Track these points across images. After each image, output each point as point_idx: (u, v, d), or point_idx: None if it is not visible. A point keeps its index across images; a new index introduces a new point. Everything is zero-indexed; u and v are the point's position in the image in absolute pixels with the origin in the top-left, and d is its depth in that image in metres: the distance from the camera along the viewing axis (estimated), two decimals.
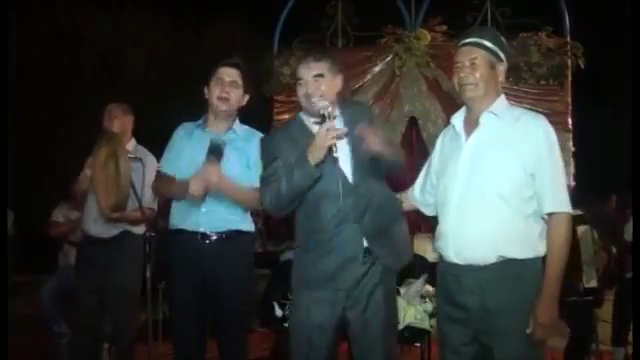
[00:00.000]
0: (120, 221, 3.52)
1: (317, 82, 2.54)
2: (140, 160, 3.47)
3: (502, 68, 2.38)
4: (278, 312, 3.91)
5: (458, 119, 2.45)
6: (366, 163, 2.51)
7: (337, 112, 2.56)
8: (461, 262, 2.32)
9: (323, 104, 2.44)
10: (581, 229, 3.93)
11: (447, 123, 5.96)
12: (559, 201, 2.27)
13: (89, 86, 7.22)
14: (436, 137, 6.00)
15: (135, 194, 3.34)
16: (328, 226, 2.53)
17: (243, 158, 2.95)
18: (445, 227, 2.38)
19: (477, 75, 2.33)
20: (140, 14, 8.09)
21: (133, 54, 8.00)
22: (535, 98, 5.49)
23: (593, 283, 3.91)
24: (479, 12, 5.76)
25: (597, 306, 4.24)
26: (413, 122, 5.96)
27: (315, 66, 2.55)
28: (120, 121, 3.70)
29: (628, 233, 4.46)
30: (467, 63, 2.35)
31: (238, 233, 2.97)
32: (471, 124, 2.39)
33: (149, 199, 3.59)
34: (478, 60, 2.33)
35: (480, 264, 2.28)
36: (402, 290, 3.62)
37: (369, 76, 5.95)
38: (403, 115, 5.94)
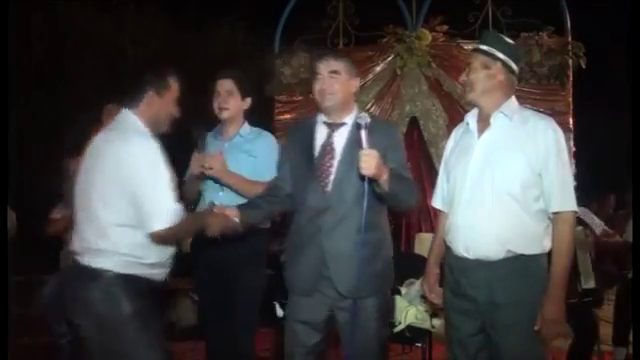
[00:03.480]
0: None
1: (332, 78, 2.58)
2: None
3: (499, 67, 2.46)
4: (279, 312, 3.91)
5: (472, 117, 2.55)
6: (356, 181, 2.48)
7: (351, 122, 2.61)
8: (470, 257, 2.41)
9: (363, 115, 2.42)
10: (575, 230, 3.92)
11: (448, 123, 6.03)
12: (566, 200, 2.37)
13: (90, 86, 7.23)
14: (437, 137, 6.09)
15: None
16: (303, 234, 2.61)
17: (250, 159, 3.14)
18: (456, 222, 2.47)
19: (471, 77, 2.48)
20: (141, 14, 8.09)
21: (134, 54, 8.00)
22: (536, 98, 5.49)
23: (591, 284, 3.90)
24: (480, 12, 5.76)
25: (596, 306, 4.23)
26: (414, 122, 5.97)
27: (333, 63, 2.59)
28: None
29: (628, 233, 4.46)
30: (467, 68, 2.51)
31: (250, 231, 3.06)
32: (483, 123, 2.50)
33: None
34: (473, 64, 2.48)
35: (489, 259, 2.37)
36: (403, 290, 3.62)
37: (370, 76, 5.96)
38: (404, 115, 5.94)
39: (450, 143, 2.67)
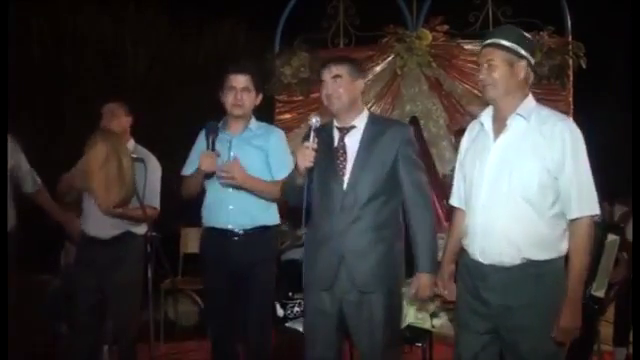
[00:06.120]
0: (121, 217, 3.52)
1: (335, 83, 2.69)
2: (142, 160, 3.48)
3: (523, 64, 2.38)
4: (279, 312, 3.91)
5: (486, 117, 2.47)
6: (370, 181, 2.65)
7: (362, 124, 2.74)
8: (485, 261, 2.37)
9: (315, 119, 2.61)
10: (610, 238, 3.87)
11: (449, 122, 6.00)
12: (584, 205, 2.30)
13: (90, 87, 7.22)
14: (438, 137, 6.07)
15: (137, 194, 3.35)
16: (320, 233, 2.72)
17: (262, 154, 3.14)
18: (472, 227, 2.43)
19: (495, 75, 2.37)
20: (141, 15, 8.07)
21: (134, 55, 7.98)
22: (536, 98, 5.40)
23: (601, 293, 3.85)
24: (480, 12, 5.75)
25: (601, 314, 4.20)
26: (414, 122, 5.96)
27: (334, 68, 2.70)
28: (119, 121, 3.70)
29: (628, 233, 4.45)
30: (485, 65, 2.39)
31: (263, 228, 3.15)
32: (499, 124, 2.42)
33: (151, 199, 3.60)
34: (495, 60, 2.37)
35: (504, 265, 2.33)
36: (403, 290, 3.62)
37: (370, 76, 5.94)
38: (404, 115, 5.94)
39: (464, 143, 2.62)
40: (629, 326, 4.34)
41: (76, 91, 7.07)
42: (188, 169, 3.29)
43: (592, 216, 2.31)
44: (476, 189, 2.42)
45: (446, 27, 5.83)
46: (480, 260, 2.39)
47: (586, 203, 2.30)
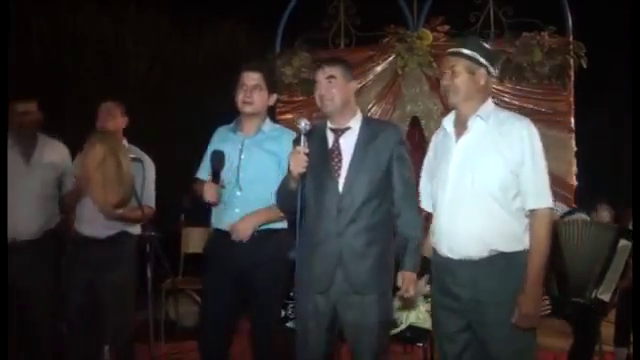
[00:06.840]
0: (121, 218, 3.51)
1: (329, 84, 2.69)
2: (139, 160, 3.48)
3: (483, 72, 2.53)
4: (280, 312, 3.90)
5: (449, 121, 2.63)
6: (365, 183, 2.66)
7: (357, 126, 2.74)
8: (454, 257, 2.47)
9: (304, 123, 2.60)
10: (622, 243, 3.85)
11: None
12: (540, 198, 2.42)
13: (90, 87, 7.22)
14: None
15: (135, 193, 3.34)
16: (316, 235, 2.69)
17: (273, 159, 3.08)
18: (439, 224, 2.55)
19: (457, 81, 2.52)
20: (141, 15, 8.07)
21: (134, 55, 7.98)
22: (538, 98, 5.48)
23: (606, 297, 3.85)
24: (481, 12, 5.75)
25: (602, 316, 4.19)
26: (415, 122, 5.96)
27: (328, 69, 2.72)
28: (115, 120, 3.69)
29: None
30: (449, 72, 2.54)
31: (271, 231, 3.09)
32: (461, 126, 2.56)
33: (148, 198, 3.60)
34: (457, 68, 2.52)
35: (472, 258, 2.43)
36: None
37: (371, 76, 5.95)
38: (405, 115, 5.94)
39: (431, 147, 2.76)
40: (630, 326, 4.33)
41: (76, 91, 7.06)
42: (202, 173, 3.27)
43: (549, 209, 2.43)
44: (442, 189, 2.53)
45: (447, 27, 5.83)
46: (449, 256, 2.49)
47: (542, 196, 2.42)
